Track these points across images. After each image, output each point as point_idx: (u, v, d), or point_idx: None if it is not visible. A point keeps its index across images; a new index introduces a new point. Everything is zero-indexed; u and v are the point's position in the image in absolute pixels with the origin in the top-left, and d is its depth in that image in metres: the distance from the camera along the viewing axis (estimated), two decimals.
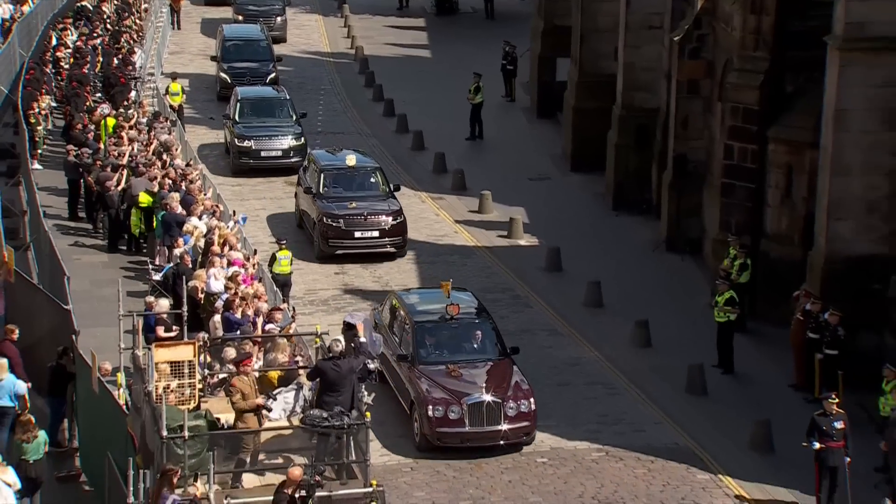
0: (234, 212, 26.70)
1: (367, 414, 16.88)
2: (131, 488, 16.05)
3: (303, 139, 33.33)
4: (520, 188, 32.88)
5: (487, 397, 20.48)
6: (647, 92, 30.89)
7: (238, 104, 34.18)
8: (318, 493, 15.47)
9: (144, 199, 27.54)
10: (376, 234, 27.99)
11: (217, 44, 41.19)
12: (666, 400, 22.61)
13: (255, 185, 32.67)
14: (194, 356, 18.32)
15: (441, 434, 20.41)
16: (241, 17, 46.01)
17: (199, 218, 25.76)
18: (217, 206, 27.11)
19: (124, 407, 18.53)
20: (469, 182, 32.96)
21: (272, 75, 38.73)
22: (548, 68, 37.90)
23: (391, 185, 29.61)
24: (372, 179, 29.52)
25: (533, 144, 36.31)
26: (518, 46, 40.16)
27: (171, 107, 35.78)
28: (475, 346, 21.92)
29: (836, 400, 19.49)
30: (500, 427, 20.44)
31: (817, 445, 19.20)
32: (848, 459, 19.26)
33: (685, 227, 28.47)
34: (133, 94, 35.24)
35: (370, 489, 16.13)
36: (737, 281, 24.33)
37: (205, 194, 27.86)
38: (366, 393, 17.48)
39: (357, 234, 27.88)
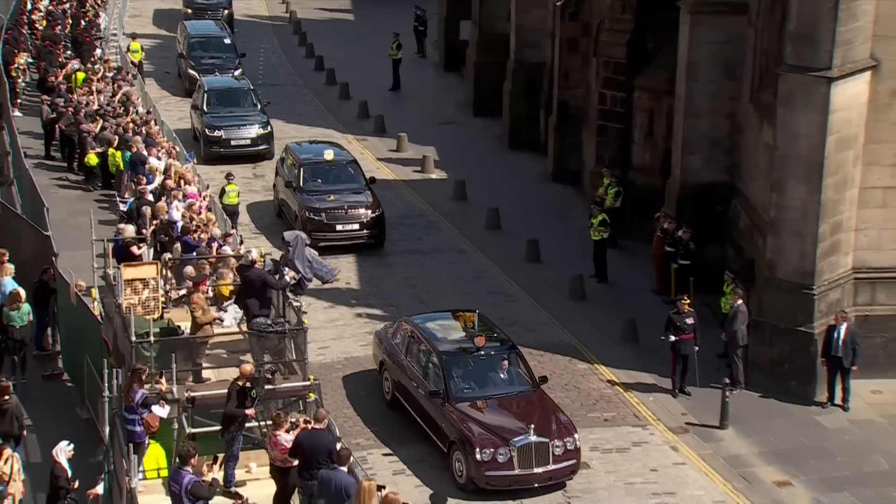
0: (190, 156, 26.34)
1: (305, 320, 16.96)
2: (106, 384, 16.08)
3: (269, 127, 30.13)
4: (431, 131, 32.77)
5: (534, 438, 16.81)
6: (535, 49, 30.74)
7: (205, 95, 30.70)
8: (266, 387, 15.52)
9: (91, 159, 27.19)
10: (356, 226, 24.92)
11: (181, 41, 36.69)
12: (552, 305, 22.94)
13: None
14: (157, 275, 18.29)
15: (490, 478, 16.77)
16: (189, 11, 41.02)
17: (158, 158, 25.50)
18: (174, 147, 26.85)
19: (98, 316, 18.51)
20: (388, 126, 32.79)
21: (238, 71, 34.54)
22: (452, 29, 37.71)
23: (367, 178, 26.41)
24: (348, 172, 26.32)
25: (441, 94, 36.20)
26: (427, 10, 39.87)
27: (132, 62, 35.09)
28: (503, 377, 18.13)
29: (688, 301, 19.92)
30: (548, 468, 16.84)
31: (672, 338, 19.59)
32: (696, 348, 19.70)
33: (567, 161, 28.59)
34: (98, 51, 34.54)
35: (308, 382, 16.11)
36: (611, 206, 24.57)
37: (163, 136, 27.56)
38: (302, 303, 17.58)
39: (339, 228, 24.82)
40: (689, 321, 19.62)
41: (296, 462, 14.29)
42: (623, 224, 24.74)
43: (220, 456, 14.87)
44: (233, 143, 29.88)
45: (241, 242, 20.91)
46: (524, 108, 31.07)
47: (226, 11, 42.07)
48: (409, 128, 32.32)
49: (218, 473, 14.29)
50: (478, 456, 16.70)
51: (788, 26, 19.24)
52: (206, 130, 30.04)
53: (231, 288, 18.54)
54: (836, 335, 19.06)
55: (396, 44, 36.58)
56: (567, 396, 19.60)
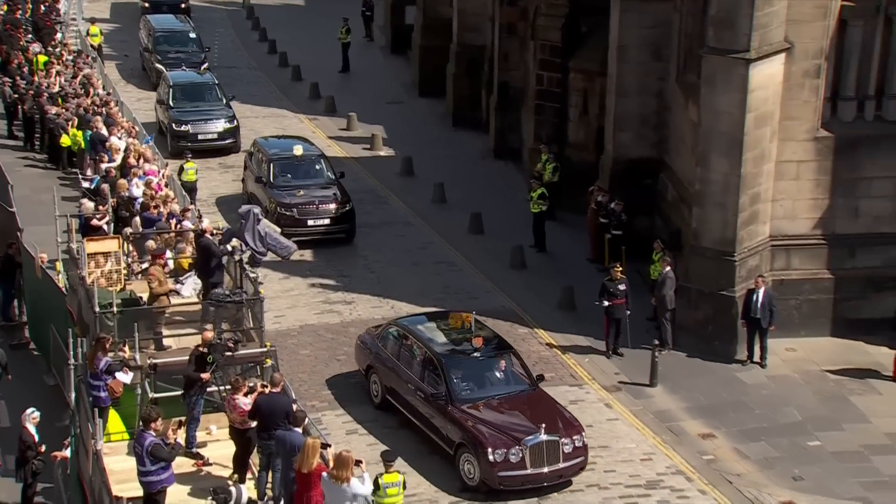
0: (150, 137, 26.03)
1: (262, 290, 16.96)
2: (71, 353, 15.99)
3: (235, 121, 29.10)
4: (379, 110, 32.71)
5: (545, 436, 15.95)
6: (477, 32, 30.71)
7: (171, 90, 29.48)
8: (226, 354, 15.51)
9: (65, 140, 26.80)
10: (327, 221, 24.01)
11: (145, 35, 35.37)
12: (494, 273, 23.06)
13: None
14: (119, 248, 18.16)
15: (502, 478, 15.82)
16: (146, 5, 39.34)
17: (119, 138, 25.22)
18: (134, 127, 26.55)
19: (63, 288, 18.35)
20: (338, 105, 32.68)
21: (205, 65, 33.34)
22: (399, 14, 37.55)
23: (336, 173, 25.36)
24: (317, 167, 25.29)
25: (388, 75, 36.11)
26: None
27: (91, 46, 34.57)
28: (503, 377, 17.21)
29: (620, 268, 20.13)
30: (558, 466, 16.02)
31: (606, 303, 19.80)
32: (628, 312, 19.94)
33: (508, 139, 28.66)
34: (59, 35, 33.95)
35: (265, 349, 16.11)
36: (549, 180, 24.70)
37: (123, 117, 27.23)
38: (259, 274, 17.57)
39: (310, 223, 23.89)
40: (622, 287, 19.85)
41: (254, 424, 14.36)
42: (560, 197, 24.88)
43: (183, 419, 14.89)
44: (200, 137, 28.84)
45: (200, 217, 20.80)
46: (466, 88, 31.07)
47: (182, 5, 40.31)
48: (358, 107, 32.23)
49: (181, 436, 14.31)
50: (490, 457, 15.76)
51: (710, 11, 19.48)
52: (173, 125, 28.97)
53: (190, 261, 18.48)
54: (755, 298, 19.45)
55: (345, 28, 36.43)
56: None
